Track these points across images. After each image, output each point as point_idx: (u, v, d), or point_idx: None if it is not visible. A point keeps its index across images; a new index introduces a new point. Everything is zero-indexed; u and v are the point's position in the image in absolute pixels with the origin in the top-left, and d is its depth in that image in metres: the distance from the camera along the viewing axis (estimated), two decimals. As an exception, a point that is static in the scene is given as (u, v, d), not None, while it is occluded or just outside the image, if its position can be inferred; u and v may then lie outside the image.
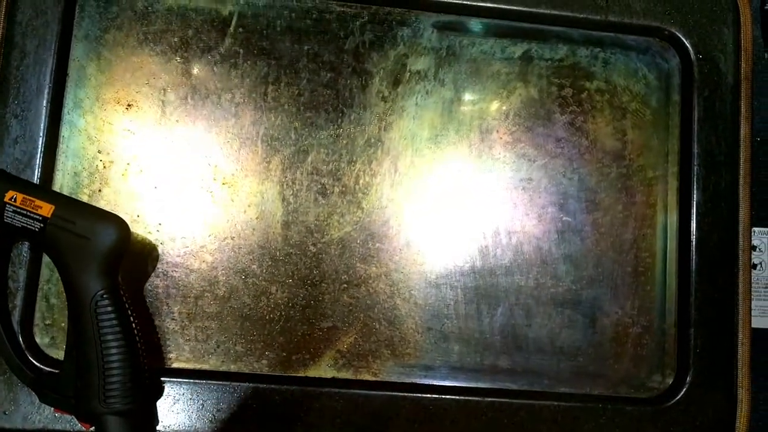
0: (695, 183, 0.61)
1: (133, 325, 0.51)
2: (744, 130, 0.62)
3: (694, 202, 0.61)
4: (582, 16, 0.62)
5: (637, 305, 0.60)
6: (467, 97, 0.61)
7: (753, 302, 0.61)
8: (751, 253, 0.61)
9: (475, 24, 0.62)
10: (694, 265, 0.60)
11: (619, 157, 0.62)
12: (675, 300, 0.61)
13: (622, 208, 0.61)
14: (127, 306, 0.51)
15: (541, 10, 0.61)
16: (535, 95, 0.62)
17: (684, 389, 0.59)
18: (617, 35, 0.63)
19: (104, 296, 0.50)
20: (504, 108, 0.61)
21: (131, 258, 0.55)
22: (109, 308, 0.50)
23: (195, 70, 0.59)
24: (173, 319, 0.56)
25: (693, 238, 0.60)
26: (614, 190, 0.61)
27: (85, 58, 0.58)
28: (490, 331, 0.59)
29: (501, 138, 0.61)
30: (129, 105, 0.58)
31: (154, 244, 0.57)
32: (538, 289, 0.60)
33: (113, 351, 0.50)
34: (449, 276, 0.59)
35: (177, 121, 0.58)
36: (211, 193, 0.58)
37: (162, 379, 0.55)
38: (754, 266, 0.63)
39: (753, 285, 0.61)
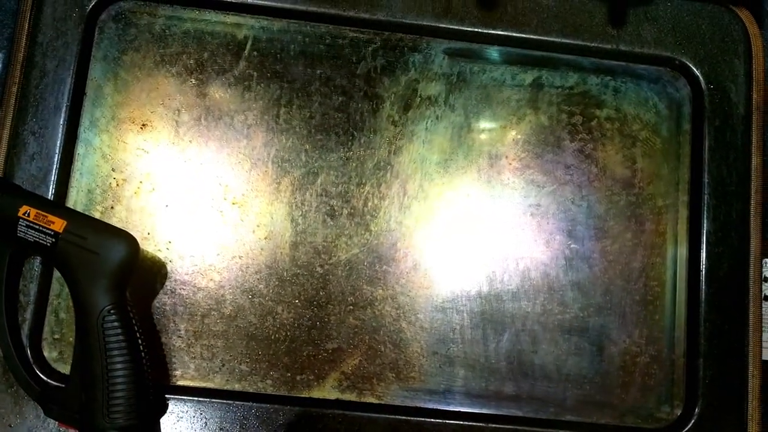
0: (705, 212, 0.60)
1: (140, 341, 0.51)
2: (756, 160, 0.61)
3: (705, 232, 0.60)
4: (593, 44, 0.62)
5: (645, 334, 0.59)
6: (477, 122, 0.61)
7: (764, 334, 0.60)
8: (762, 285, 0.60)
9: (487, 51, 0.62)
10: (703, 295, 0.59)
11: (628, 185, 0.61)
12: (684, 330, 0.60)
13: (631, 236, 0.61)
14: (134, 322, 0.52)
15: (552, 38, 0.62)
16: (545, 122, 0.62)
17: (693, 420, 0.58)
18: (628, 64, 0.63)
19: (111, 311, 0.50)
20: (514, 134, 0.62)
21: (140, 275, 0.56)
22: (116, 323, 0.50)
23: (209, 92, 0.60)
24: (180, 337, 0.57)
25: (703, 267, 0.60)
26: (623, 218, 0.61)
27: (103, 79, 0.59)
28: (496, 357, 0.58)
29: (510, 164, 0.61)
30: (144, 125, 0.59)
31: (164, 262, 0.57)
32: (545, 315, 0.59)
33: (118, 366, 0.50)
34: (455, 300, 0.59)
35: (190, 141, 0.59)
36: (221, 212, 0.58)
37: (166, 396, 0.55)
38: (766, 298, 0.62)
39: (764, 317, 0.60)
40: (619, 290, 0.60)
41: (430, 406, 0.58)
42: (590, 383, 0.59)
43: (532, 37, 0.62)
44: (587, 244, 0.60)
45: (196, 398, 0.55)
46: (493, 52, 0.62)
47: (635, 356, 0.59)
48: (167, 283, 0.57)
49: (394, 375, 0.58)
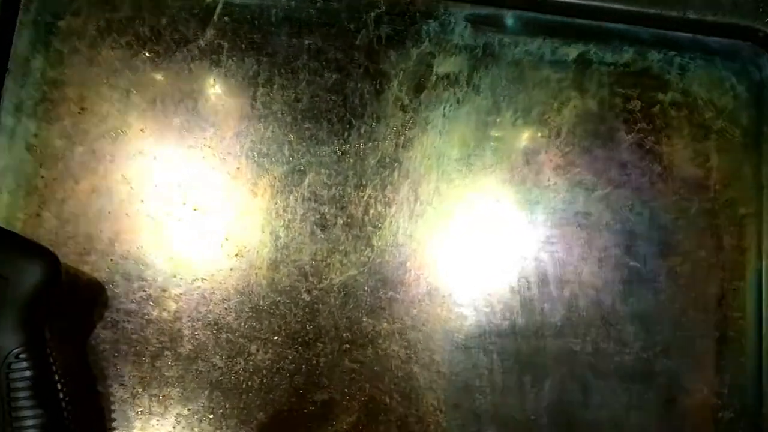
0: (799, 223, 0.48)
1: (61, 394, 0.40)
2: None
3: (799, 248, 0.48)
4: (653, 11, 0.52)
5: (727, 381, 0.49)
6: (508, 108, 0.49)
7: None
8: None
9: (520, 18, 0.50)
10: (800, 329, 0.47)
11: (701, 189, 0.50)
12: (776, 375, 0.47)
13: (705, 253, 0.50)
14: (54, 369, 0.40)
15: (602, 4, 0.51)
16: (593, 108, 0.50)
17: (793, 497, 0.45)
18: (698, 36, 0.53)
19: (21, 355, 0.39)
20: (555, 123, 0.50)
21: (71, 304, 0.44)
22: (27, 372, 0.39)
23: (167, 68, 0.47)
24: (122, 385, 0.44)
25: (798, 294, 0.48)
26: (695, 231, 0.50)
27: (32, 50, 0.47)
28: (536, 411, 0.47)
29: (551, 161, 0.49)
30: (83, 108, 0.47)
31: (103, 286, 0.45)
32: (597, 356, 0.47)
33: (28, 426, 0.38)
34: (483, 336, 0.47)
35: (142, 130, 0.47)
36: (179, 221, 0.46)
37: (101, 465, 0.42)
38: None
39: None
40: (692, 324, 0.49)
41: (451, 477, 0.45)
42: (658, 445, 0.46)
43: (577, 1, 0.51)
44: (650, 263, 0.49)
45: (141, 467, 0.42)
46: (528, 21, 0.51)
47: (715, 410, 0.49)
48: (107, 314, 0.45)
49: (402, 436, 0.45)
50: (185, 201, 0.46)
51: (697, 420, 0.47)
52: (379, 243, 0.47)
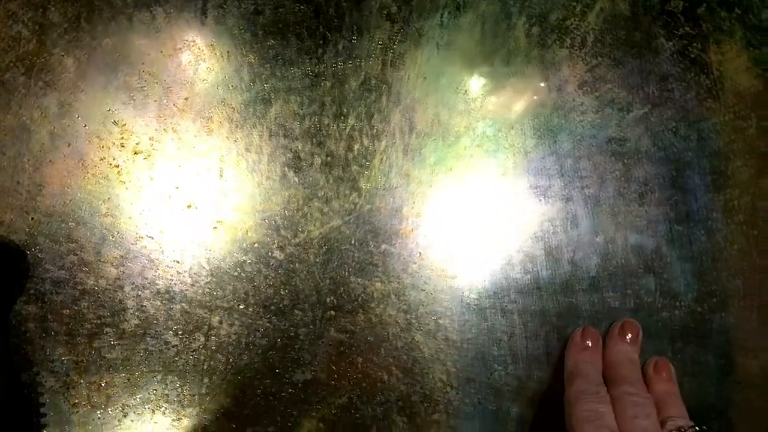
0: None
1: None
2: None
3: None
4: None
5: (799, 338, 0.38)
6: (521, 14, 0.39)
7: None
8: None
9: None
10: None
11: (760, 104, 0.40)
12: None
13: (768, 183, 0.39)
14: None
15: None
16: (625, 11, 0.40)
17: None
18: None
19: None
20: (579, 31, 0.40)
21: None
22: None
23: (93, -23, 0.37)
24: (53, 372, 0.35)
25: None
26: (755, 156, 0.39)
27: None
28: (568, 383, 0.37)
29: (575, 76, 0.39)
30: (-12, 31, 0.37)
31: (23, 250, 0.35)
32: (641, 312, 0.38)
33: None
34: (499, 294, 0.37)
35: (63, 55, 0.37)
36: (116, 168, 0.36)
37: (29, 472, 0.34)
38: None
39: None
40: (755, 270, 0.38)
41: (466, 468, 0.36)
42: (719, 418, 0.37)
43: None
44: (702, 198, 0.39)
45: (80, 472, 0.34)
46: None
47: (787, 373, 0.38)
48: (30, 285, 0.35)
49: (405, 420, 0.36)
50: (123, 142, 0.37)
51: (762, 387, 0.38)
52: (368, 186, 0.38)
